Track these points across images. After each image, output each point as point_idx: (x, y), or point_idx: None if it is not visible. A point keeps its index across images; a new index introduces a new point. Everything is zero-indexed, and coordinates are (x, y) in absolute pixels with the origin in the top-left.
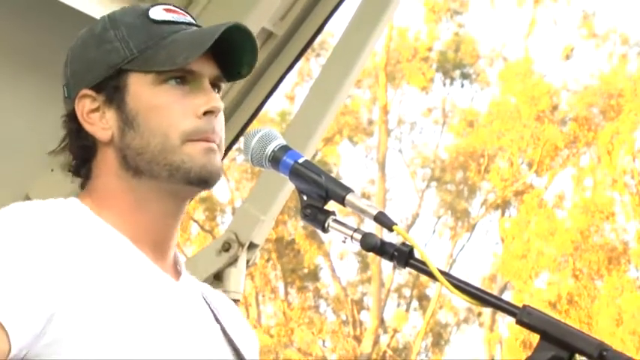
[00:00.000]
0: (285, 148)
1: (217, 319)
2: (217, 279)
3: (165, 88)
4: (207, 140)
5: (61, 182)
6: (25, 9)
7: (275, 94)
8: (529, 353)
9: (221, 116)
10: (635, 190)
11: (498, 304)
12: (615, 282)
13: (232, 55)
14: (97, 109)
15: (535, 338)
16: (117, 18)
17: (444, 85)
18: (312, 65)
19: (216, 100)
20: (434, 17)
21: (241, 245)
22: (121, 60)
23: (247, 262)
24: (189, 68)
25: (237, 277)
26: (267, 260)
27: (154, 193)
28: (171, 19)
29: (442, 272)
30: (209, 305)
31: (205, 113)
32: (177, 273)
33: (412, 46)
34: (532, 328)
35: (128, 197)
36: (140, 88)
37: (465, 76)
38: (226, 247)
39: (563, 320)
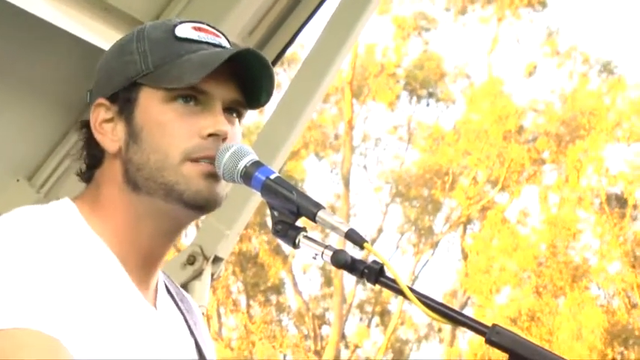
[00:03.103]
0: (257, 164)
1: (192, 334)
2: None
3: (174, 106)
4: (209, 159)
5: (26, 192)
6: None
7: None
8: None
9: (232, 141)
10: (600, 208)
11: (468, 323)
12: (577, 298)
13: (251, 80)
14: (110, 120)
15: (495, 355)
16: (145, 30)
17: (410, 103)
18: (281, 77)
19: (223, 123)
20: (402, 34)
21: (206, 259)
22: (136, 73)
23: (212, 275)
24: (201, 88)
25: (201, 290)
26: (231, 273)
27: (151, 211)
28: (196, 38)
29: (412, 290)
30: (185, 319)
31: (210, 135)
32: (156, 294)
33: (379, 62)
34: (501, 347)
35: (126, 212)
36: (149, 104)
37: (431, 95)
38: (191, 261)
39: (531, 340)
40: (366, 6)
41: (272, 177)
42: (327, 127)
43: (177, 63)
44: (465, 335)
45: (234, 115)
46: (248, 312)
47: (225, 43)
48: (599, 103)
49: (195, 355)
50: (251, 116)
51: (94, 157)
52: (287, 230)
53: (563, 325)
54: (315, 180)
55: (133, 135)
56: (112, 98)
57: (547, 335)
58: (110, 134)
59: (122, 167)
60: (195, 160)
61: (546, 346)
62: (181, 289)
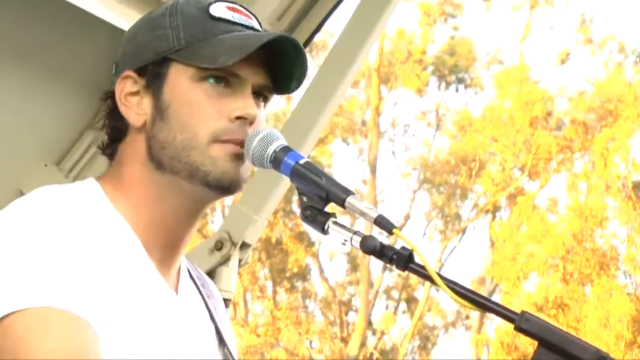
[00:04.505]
0: (286, 149)
1: (212, 318)
2: (209, 277)
3: (204, 85)
4: (236, 142)
5: (54, 177)
6: (21, 4)
7: None
8: (513, 356)
9: (257, 126)
10: (627, 196)
11: (496, 310)
12: (604, 286)
13: (283, 67)
14: (136, 93)
15: (522, 342)
16: (178, 5)
17: (439, 89)
18: (309, 64)
19: (252, 107)
20: (428, 20)
21: (234, 245)
22: (167, 48)
23: (239, 261)
24: (232, 70)
25: (228, 276)
26: (257, 260)
27: (173, 191)
28: (230, 19)
29: (441, 277)
30: (206, 304)
31: (239, 118)
32: (178, 278)
33: (406, 48)
34: (530, 334)
35: (148, 189)
36: (179, 80)
37: (460, 80)
38: (219, 246)
39: (561, 327)
40: None
41: (301, 162)
42: (355, 113)
43: (211, 42)
44: (492, 323)
45: (261, 99)
46: (274, 298)
47: (257, 26)
48: (627, 91)
49: (216, 340)
50: (279, 103)
51: (117, 129)
52: (316, 216)
53: (590, 313)
54: (342, 166)
55: (159, 111)
56: (140, 71)
57: (574, 323)
58: (135, 107)
59: (146, 143)
60: (223, 142)
61: (573, 333)
62: (203, 274)
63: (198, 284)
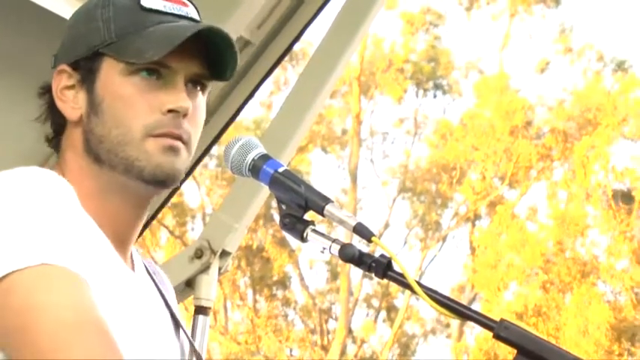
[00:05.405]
0: (265, 157)
1: (167, 303)
2: (189, 286)
3: (135, 79)
4: (170, 136)
5: None
6: (1, 12)
7: (251, 101)
8: None
9: (194, 115)
10: (608, 204)
11: (475, 318)
12: (584, 294)
13: (215, 56)
14: (72, 87)
15: (502, 350)
16: None
17: (417, 96)
18: (289, 74)
19: (184, 100)
20: (410, 29)
21: (214, 253)
22: (99, 42)
23: (219, 269)
24: (163, 62)
25: (208, 284)
26: (237, 267)
27: (114, 185)
28: (162, 9)
29: (420, 284)
30: (159, 289)
31: (171, 111)
32: (132, 264)
33: (387, 57)
34: (509, 342)
35: (91, 182)
36: (110, 76)
37: (438, 87)
38: (199, 254)
39: (539, 335)
40: (374, 2)
41: (280, 170)
42: (334, 122)
43: (141, 35)
44: (472, 330)
45: (198, 87)
46: (254, 306)
47: (192, 13)
48: (606, 99)
49: (172, 324)
50: (258, 111)
51: (57, 123)
52: (295, 224)
53: (569, 321)
54: (322, 174)
55: (93, 106)
56: (74, 65)
57: (554, 331)
58: (71, 102)
59: (83, 136)
60: (157, 136)
61: (553, 341)
62: (152, 262)
63: (150, 271)
